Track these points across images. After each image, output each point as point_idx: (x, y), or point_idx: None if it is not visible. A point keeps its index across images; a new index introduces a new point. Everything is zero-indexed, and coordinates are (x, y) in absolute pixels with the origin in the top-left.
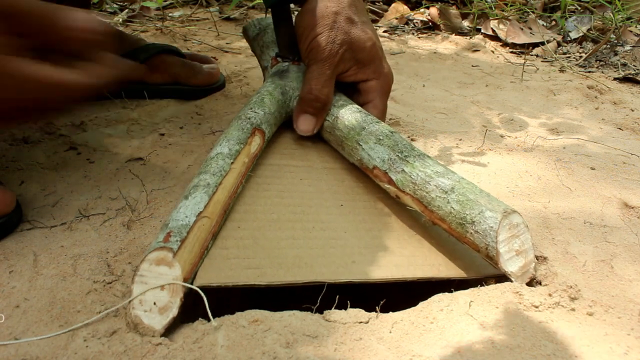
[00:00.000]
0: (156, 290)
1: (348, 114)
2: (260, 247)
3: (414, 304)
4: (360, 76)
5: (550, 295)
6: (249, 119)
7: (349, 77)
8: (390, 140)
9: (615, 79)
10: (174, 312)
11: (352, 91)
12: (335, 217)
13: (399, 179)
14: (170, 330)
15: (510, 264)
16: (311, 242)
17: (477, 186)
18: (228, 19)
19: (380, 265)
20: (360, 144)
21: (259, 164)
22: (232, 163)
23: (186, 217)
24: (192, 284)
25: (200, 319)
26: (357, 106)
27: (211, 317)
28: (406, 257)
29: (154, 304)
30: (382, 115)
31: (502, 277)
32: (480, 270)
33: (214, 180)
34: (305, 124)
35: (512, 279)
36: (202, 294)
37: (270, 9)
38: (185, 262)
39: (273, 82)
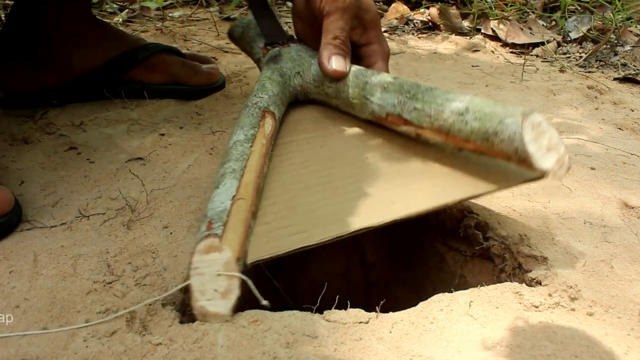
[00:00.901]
0: (213, 279)
1: (349, 75)
2: (298, 215)
3: (415, 304)
4: (364, 39)
5: (550, 295)
6: (256, 104)
7: (353, 37)
8: (395, 85)
9: (615, 79)
10: (236, 292)
11: (354, 56)
12: (362, 169)
13: (413, 117)
14: (236, 310)
15: (544, 161)
16: (345, 196)
17: (491, 99)
18: (228, 19)
19: (419, 198)
20: (368, 97)
21: (276, 145)
22: (251, 146)
23: (222, 203)
24: (244, 263)
25: (198, 321)
26: (355, 65)
27: (260, 298)
28: (441, 186)
29: (215, 291)
30: None
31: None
32: (517, 178)
33: (239, 165)
34: (339, 63)
35: (551, 176)
36: (247, 279)
37: (248, 4)
38: (232, 243)
39: (269, 67)
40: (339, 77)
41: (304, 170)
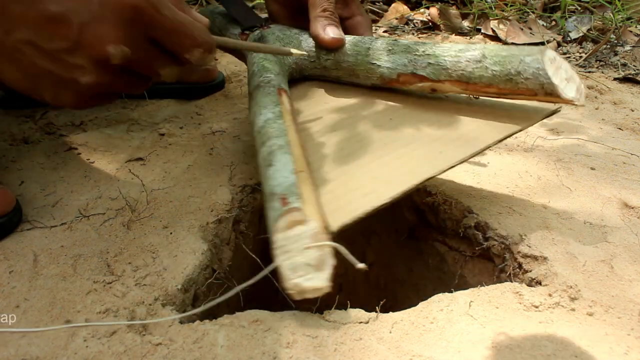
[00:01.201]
0: (302, 253)
1: (348, 44)
2: (358, 178)
3: (415, 304)
4: (347, 12)
5: (550, 295)
6: (269, 82)
7: (339, 12)
8: (399, 46)
9: (615, 79)
10: (330, 262)
11: None
12: (393, 129)
13: (429, 72)
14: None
15: (568, 91)
16: (394, 154)
17: (502, 45)
18: None
19: (462, 145)
20: (374, 62)
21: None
22: (284, 123)
23: (286, 178)
24: (331, 230)
25: (198, 321)
26: (347, 35)
27: (356, 261)
28: (476, 129)
29: (308, 265)
30: None
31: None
32: (539, 114)
33: (283, 141)
34: (335, 31)
35: (576, 103)
36: (340, 246)
37: None
38: (314, 213)
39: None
40: (338, 45)
41: (337, 139)
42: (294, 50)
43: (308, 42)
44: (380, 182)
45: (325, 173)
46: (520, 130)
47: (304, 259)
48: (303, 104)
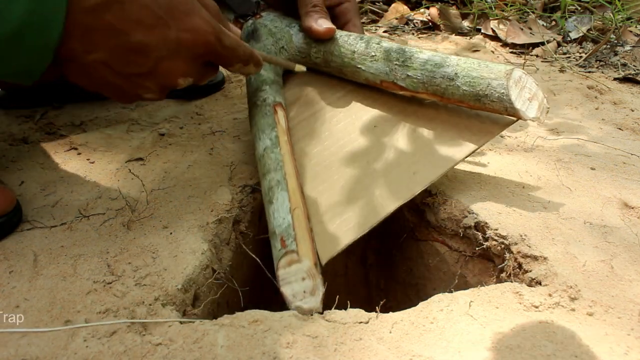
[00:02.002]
0: (299, 283)
1: (335, 45)
2: (345, 203)
3: (414, 304)
4: (334, 0)
5: (550, 295)
6: (264, 100)
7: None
8: (381, 52)
9: (615, 79)
10: (321, 289)
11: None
12: (378, 139)
13: (408, 84)
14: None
15: (530, 111)
16: (375, 173)
17: (474, 60)
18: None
19: (435, 163)
20: (359, 66)
21: (290, 127)
22: (280, 150)
23: (284, 218)
24: (320, 263)
25: (198, 321)
26: (337, 31)
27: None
28: (451, 142)
29: (304, 292)
30: (362, 32)
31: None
32: (507, 122)
33: (280, 175)
34: (327, 23)
35: (537, 123)
36: (322, 281)
37: None
38: (307, 252)
39: (252, 48)
40: (331, 35)
41: (328, 152)
42: (297, 67)
43: (298, 37)
44: (364, 207)
45: (316, 199)
46: (492, 137)
47: (302, 287)
48: (296, 110)
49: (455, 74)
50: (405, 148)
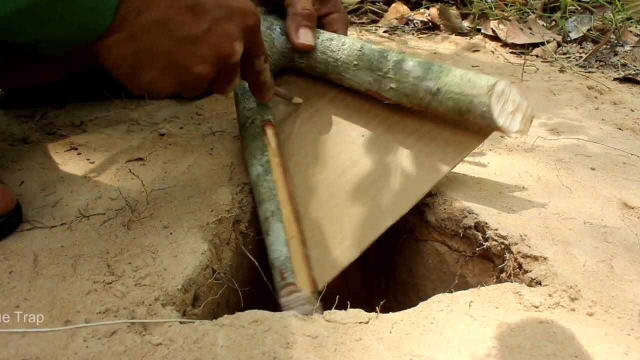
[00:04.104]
0: (300, 307)
1: (317, 52)
2: (339, 225)
3: (414, 304)
4: (324, 10)
5: (550, 295)
6: (253, 122)
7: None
8: (364, 61)
9: (615, 79)
10: (320, 311)
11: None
12: (366, 151)
13: (392, 95)
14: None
15: (513, 125)
16: (367, 192)
17: (455, 71)
18: None
19: (422, 178)
20: (343, 74)
21: (281, 141)
22: (272, 177)
23: (281, 251)
24: (318, 290)
25: (198, 321)
26: (320, 35)
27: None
28: (435, 152)
29: (305, 314)
30: None
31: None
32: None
33: (274, 205)
34: (307, 37)
35: (520, 135)
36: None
37: None
38: (304, 282)
39: None
40: (307, 50)
41: (319, 170)
42: (294, 100)
43: (280, 41)
44: (357, 228)
45: (311, 223)
46: (477, 146)
47: (301, 310)
48: (287, 121)
49: (438, 89)
50: (393, 162)
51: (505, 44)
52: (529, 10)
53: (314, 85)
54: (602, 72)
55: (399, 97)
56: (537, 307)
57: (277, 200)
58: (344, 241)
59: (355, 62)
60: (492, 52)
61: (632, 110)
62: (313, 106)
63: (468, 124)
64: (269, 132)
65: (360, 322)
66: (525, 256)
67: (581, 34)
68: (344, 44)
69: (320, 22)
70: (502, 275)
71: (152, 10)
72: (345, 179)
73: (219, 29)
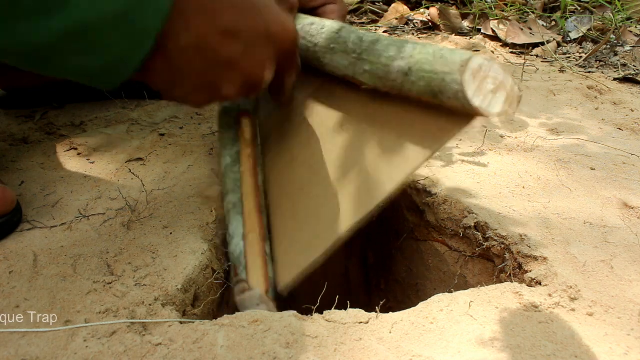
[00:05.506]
0: (255, 308)
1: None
2: (306, 223)
3: (414, 304)
4: (320, 1)
5: (550, 295)
6: (228, 112)
7: (310, 3)
8: (339, 44)
9: (615, 79)
10: (274, 309)
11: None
12: (342, 147)
13: (366, 79)
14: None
15: (493, 106)
16: (336, 188)
17: (428, 47)
18: None
19: (391, 175)
20: (322, 60)
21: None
22: (240, 168)
23: (237, 245)
24: (276, 288)
25: (198, 321)
26: (299, 20)
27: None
28: (417, 138)
29: (267, 311)
30: None
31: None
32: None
33: (236, 197)
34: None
35: (505, 118)
36: (273, 305)
37: None
38: (257, 279)
39: None
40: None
41: (294, 164)
42: None
43: None
44: (323, 227)
45: (278, 218)
46: (453, 138)
47: (259, 309)
48: (271, 118)
49: (409, 68)
50: (364, 157)
51: (505, 44)
52: (529, 11)
53: (301, 75)
54: (602, 72)
55: (373, 80)
56: (537, 307)
57: (240, 192)
58: (312, 240)
59: (332, 46)
60: (492, 52)
61: (632, 110)
62: (297, 98)
63: (447, 109)
64: (245, 122)
65: (360, 322)
66: (525, 256)
67: (581, 34)
68: (323, 28)
69: (315, 13)
70: (502, 275)
71: (190, 33)
72: (316, 173)
73: (252, 55)
